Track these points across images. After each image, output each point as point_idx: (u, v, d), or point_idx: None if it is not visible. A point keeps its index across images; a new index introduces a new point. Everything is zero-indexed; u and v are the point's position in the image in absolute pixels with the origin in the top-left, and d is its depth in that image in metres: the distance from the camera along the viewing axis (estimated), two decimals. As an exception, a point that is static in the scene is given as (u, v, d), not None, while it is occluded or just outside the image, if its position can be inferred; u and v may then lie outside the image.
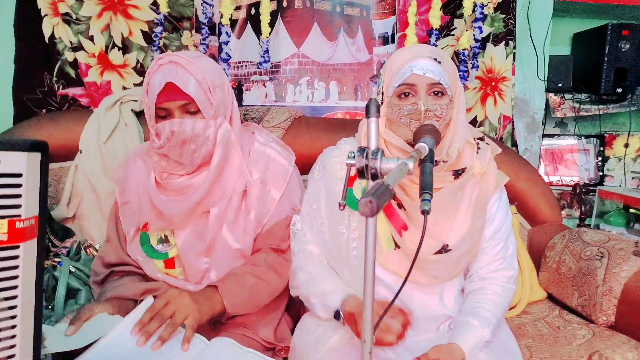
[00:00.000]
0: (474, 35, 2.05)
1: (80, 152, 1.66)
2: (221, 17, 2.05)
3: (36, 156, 0.62)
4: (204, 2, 1.99)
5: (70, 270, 1.29)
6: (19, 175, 0.61)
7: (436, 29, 2.05)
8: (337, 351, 1.09)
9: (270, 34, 2.08)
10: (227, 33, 2.04)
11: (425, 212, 0.74)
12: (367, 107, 0.70)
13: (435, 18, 2.02)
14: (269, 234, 1.26)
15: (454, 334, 1.09)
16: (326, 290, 1.13)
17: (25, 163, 0.60)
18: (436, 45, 2.06)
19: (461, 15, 2.07)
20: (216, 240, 1.22)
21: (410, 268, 0.78)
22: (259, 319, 1.25)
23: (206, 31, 2.01)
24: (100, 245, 1.50)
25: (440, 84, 1.06)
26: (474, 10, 2.04)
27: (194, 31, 2.04)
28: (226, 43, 2.07)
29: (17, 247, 0.63)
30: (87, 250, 1.46)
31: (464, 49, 2.05)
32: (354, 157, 0.71)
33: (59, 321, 1.11)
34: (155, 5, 1.98)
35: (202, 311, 1.07)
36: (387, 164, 0.68)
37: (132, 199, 1.27)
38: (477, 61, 2.09)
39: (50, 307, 1.24)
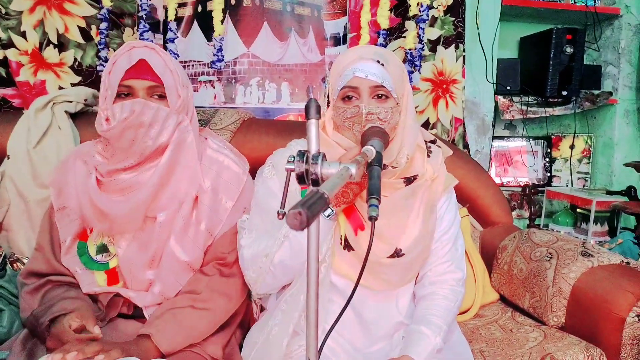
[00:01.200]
0: (418, 35, 2.04)
1: (8, 158, 1.53)
2: (166, 13, 1.95)
3: None
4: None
5: (-8, 288, 1.17)
6: None
7: (384, 29, 2.03)
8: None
9: (210, 31, 1.99)
10: (171, 29, 1.94)
11: (372, 219, 0.69)
12: (307, 108, 0.65)
13: (384, 18, 2.00)
14: (217, 244, 1.20)
15: (407, 345, 1.06)
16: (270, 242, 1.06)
17: None
18: (385, 46, 2.04)
19: (412, 17, 2.06)
20: (163, 251, 1.15)
21: (360, 273, 0.74)
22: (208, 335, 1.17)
23: (144, 25, 1.90)
24: (28, 258, 1.38)
25: (384, 86, 1.03)
26: (419, 11, 2.03)
27: (136, 28, 1.94)
28: (172, 40, 1.97)
29: None
30: (14, 265, 1.33)
31: (410, 49, 2.04)
32: (294, 161, 0.66)
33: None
34: (94, 0, 1.87)
35: None
36: (328, 168, 0.63)
37: (70, 204, 1.17)
38: (421, 63, 2.09)
39: (-32, 329, 1.12)
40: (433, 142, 1.21)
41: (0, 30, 1.82)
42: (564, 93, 2.35)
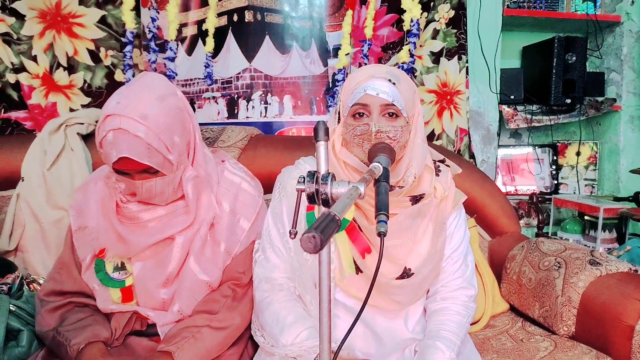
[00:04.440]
0: (409, 50, 2.06)
1: (22, 180, 1.56)
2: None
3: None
4: (151, 17, 1.94)
5: (10, 309, 1.19)
6: None
7: (369, 39, 2.07)
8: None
9: (215, 48, 2.03)
10: (171, 49, 1.98)
11: (381, 234, 0.70)
12: (316, 131, 0.67)
13: (369, 29, 2.05)
14: (233, 263, 1.23)
15: (421, 358, 1.06)
16: (296, 344, 1.04)
17: None
18: (381, 61, 2.08)
19: (407, 32, 2.09)
20: (181, 271, 1.18)
21: (368, 295, 0.75)
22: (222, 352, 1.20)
23: (153, 49, 1.94)
24: (44, 279, 1.40)
25: (394, 105, 1.04)
26: (411, 25, 2.06)
27: (142, 49, 1.98)
28: (172, 59, 2.00)
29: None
30: (30, 286, 1.35)
31: (403, 62, 2.06)
32: (304, 181, 0.68)
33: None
34: (102, 23, 1.92)
35: None
36: (337, 188, 0.65)
37: (91, 224, 1.20)
38: (414, 76, 2.12)
39: (-13, 350, 1.14)
40: (442, 161, 1.22)
41: (12, 55, 1.87)
42: (568, 101, 2.36)
